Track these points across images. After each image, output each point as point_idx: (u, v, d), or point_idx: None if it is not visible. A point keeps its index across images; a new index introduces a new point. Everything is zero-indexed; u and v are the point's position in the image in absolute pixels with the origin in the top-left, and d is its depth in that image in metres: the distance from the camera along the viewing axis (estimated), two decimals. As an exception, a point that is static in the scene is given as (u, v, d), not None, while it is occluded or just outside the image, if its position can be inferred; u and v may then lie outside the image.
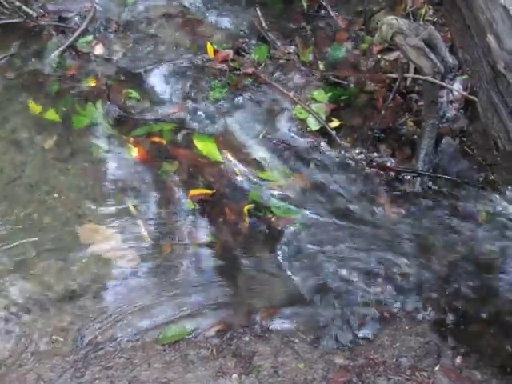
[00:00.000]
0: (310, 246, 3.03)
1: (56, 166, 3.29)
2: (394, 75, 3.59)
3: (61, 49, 3.78)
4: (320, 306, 2.84)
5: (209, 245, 3.03)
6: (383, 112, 3.36)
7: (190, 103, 3.58)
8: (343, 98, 3.58)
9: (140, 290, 2.86)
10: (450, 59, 3.11)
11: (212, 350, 2.63)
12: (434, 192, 3.23)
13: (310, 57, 3.80)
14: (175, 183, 3.23)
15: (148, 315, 2.77)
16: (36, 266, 2.90)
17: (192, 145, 3.38)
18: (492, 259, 2.98)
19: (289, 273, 2.94)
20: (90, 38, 3.88)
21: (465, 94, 3.36)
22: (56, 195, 3.16)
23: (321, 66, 3.76)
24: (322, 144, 3.40)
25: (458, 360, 2.59)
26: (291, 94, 3.58)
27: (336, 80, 3.68)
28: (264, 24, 3.94)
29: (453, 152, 3.37)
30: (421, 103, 3.47)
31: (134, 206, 3.15)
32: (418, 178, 3.26)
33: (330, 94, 3.57)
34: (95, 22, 3.96)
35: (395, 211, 3.16)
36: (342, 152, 3.36)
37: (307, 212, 3.14)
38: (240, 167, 3.30)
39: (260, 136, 3.44)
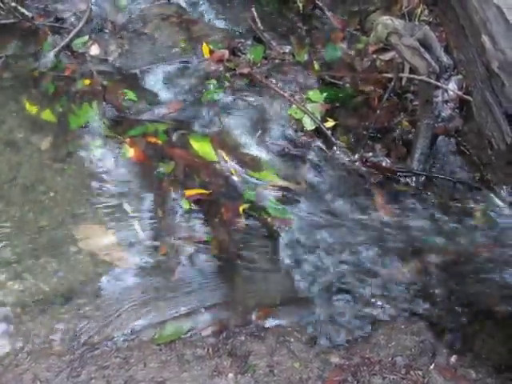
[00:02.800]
0: (305, 245, 3.04)
1: (52, 166, 3.29)
2: (389, 75, 3.59)
3: (56, 49, 3.78)
4: (315, 305, 2.85)
5: (205, 244, 3.03)
6: (378, 112, 3.37)
7: (185, 103, 3.59)
8: (338, 97, 3.59)
9: (136, 289, 2.86)
10: (445, 59, 3.12)
11: (208, 350, 2.63)
12: (429, 191, 3.24)
13: (306, 57, 3.81)
14: (171, 183, 3.24)
15: (144, 315, 2.77)
16: (32, 265, 2.90)
17: (188, 145, 3.38)
18: (487, 259, 2.99)
19: (284, 272, 2.95)
20: (85, 38, 3.88)
21: (460, 93, 3.38)
22: (52, 195, 3.16)
23: (316, 66, 3.77)
24: (318, 144, 3.40)
25: (453, 359, 2.60)
26: (286, 94, 3.59)
27: (331, 80, 3.69)
28: (259, 24, 3.95)
29: (448, 151, 3.38)
30: (416, 103, 3.47)
31: (130, 206, 3.15)
32: (413, 178, 3.27)
33: (325, 94, 3.58)
34: (91, 22, 3.97)
35: (390, 211, 3.17)
36: (338, 152, 3.37)
37: (302, 212, 3.15)
38: (236, 167, 3.30)
39: (255, 136, 3.44)
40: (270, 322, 2.79)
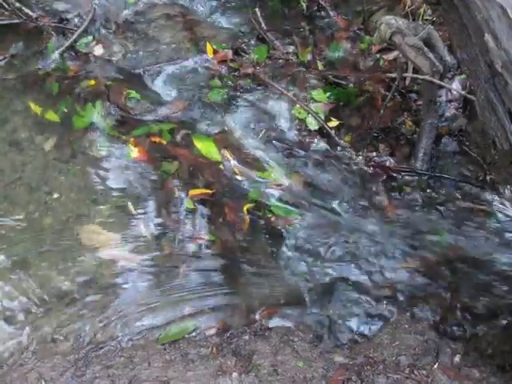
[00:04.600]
0: (309, 245, 3.04)
1: (56, 166, 3.29)
2: (392, 75, 3.60)
3: (61, 49, 3.79)
4: (319, 304, 2.85)
5: (209, 244, 3.04)
6: (382, 111, 3.37)
7: (189, 103, 3.59)
8: (342, 97, 3.59)
9: (140, 289, 2.87)
10: (449, 58, 3.12)
11: (212, 349, 2.64)
12: (432, 191, 3.24)
13: (309, 57, 3.81)
14: (175, 183, 3.24)
15: (148, 314, 2.78)
16: (37, 266, 2.91)
17: (191, 145, 3.39)
18: (491, 258, 2.99)
19: (288, 272, 2.95)
20: (89, 38, 3.89)
21: (463, 93, 3.38)
22: (56, 196, 3.17)
23: (320, 66, 3.77)
24: (321, 143, 3.41)
25: (457, 358, 2.59)
26: (290, 93, 3.59)
27: (335, 80, 3.70)
28: (263, 24, 3.96)
29: (451, 151, 3.38)
30: (419, 102, 3.48)
31: (134, 206, 3.15)
32: (417, 178, 3.27)
33: (328, 94, 3.58)
34: (95, 22, 3.97)
35: (394, 210, 3.17)
36: (341, 151, 3.37)
37: (306, 211, 3.15)
38: (239, 167, 3.30)
39: (259, 136, 3.45)
40: (273, 322, 2.79)
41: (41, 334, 2.70)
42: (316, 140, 3.44)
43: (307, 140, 3.44)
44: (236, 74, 3.73)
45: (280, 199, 3.21)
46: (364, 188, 3.27)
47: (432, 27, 3.10)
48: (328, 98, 3.57)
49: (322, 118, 3.48)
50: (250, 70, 3.71)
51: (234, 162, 3.32)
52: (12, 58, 3.78)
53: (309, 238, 3.08)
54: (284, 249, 3.04)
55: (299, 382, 2.50)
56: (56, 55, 3.77)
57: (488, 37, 2.08)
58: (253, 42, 3.92)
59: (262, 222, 3.13)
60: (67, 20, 4.00)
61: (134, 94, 3.60)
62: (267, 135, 3.45)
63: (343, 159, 3.36)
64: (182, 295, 2.86)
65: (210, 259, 3.00)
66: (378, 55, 3.78)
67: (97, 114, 3.50)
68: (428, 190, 3.25)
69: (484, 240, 3.04)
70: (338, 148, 3.39)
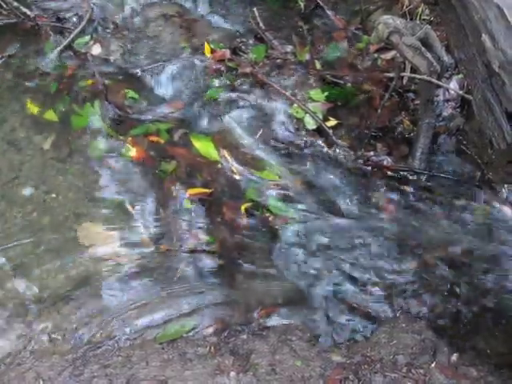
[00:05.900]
0: (307, 244, 3.04)
1: (54, 165, 3.30)
2: (390, 74, 3.60)
3: (58, 49, 3.79)
4: (317, 304, 2.85)
5: (207, 243, 3.04)
6: (380, 111, 3.37)
7: (187, 103, 3.60)
8: (340, 97, 3.60)
9: (138, 288, 2.87)
10: (447, 58, 3.13)
11: (210, 348, 2.64)
12: (430, 190, 3.24)
13: (307, 56, 3.81)
14: (173, 182, 3.24)
15: (146, 314, 2.78)
16: (35, 265, 2.91)
17: (189, 144, 3.39)
18: (488, 257, 3.00)
19: (286, 271, 2.96)
20: (87, 38, 3.89)
21: (461, 92, 3.39)
22: (54, 195, 3.17)
23: (318, 66, 3.77)
24: (319, 143, 3.41)
25: (454, 357, 2.60)
26: (288, 93, 3.59)
27: (333, 79, 3.70)
28: (261, 24, 3.96)
29: (449, 150, 3.39)
30: (417, 102, 3.48)
31: (132, 206, 3.15)
32: (414, 177, 3.28)
33: (326, 93, 3.58)
34: (93, 22, 3.97)
35: (392, 209, 3.18)
36: (339, 151, 3.38)
37: (304, 211, 3.16)
38: (237, 166, 3.31)
39: (257, 135, 3.45)
40: (271, 321, 2.79)
41: (39, 333, 2.70)
42: (314, 139, 3.44)
43: (305, 139, 3.44)
44: (234, 73, 3.73)
45: (278, 198, 3.21)
46: (362, 187, 3.28)
47: (429, 27, 3.10)
48: (326, 97, 3.57)
49: (320, 117, 3.48)
50: (248, 70, 3.71)
51: (232, 162, 3.33)
52: (10, 57, 3.77)
53: (306, 237, 3.08)
54: (282, 248, 3.04)
55: (297, 381, 2.50)
56: (54, 55, 3.77)
57: (485, 37, 2.09)
58: (251, 41, 3.92)
59: (260, 220, 3.13)
60: (65, 19, 3.99)
61: (132, 93, 3.60)
62: (265, 134, 3.45)
63: (341, 158, 3.37)
64: (180, 294, 2.86)
65: (208, 258, 3.00)
66: (375, 55, 3.79)
67: (95, 114, 3.50)
68: (425, 189, 3.26)
69: (482, 239, 3.05)
70: (336, 147, 3.39)
